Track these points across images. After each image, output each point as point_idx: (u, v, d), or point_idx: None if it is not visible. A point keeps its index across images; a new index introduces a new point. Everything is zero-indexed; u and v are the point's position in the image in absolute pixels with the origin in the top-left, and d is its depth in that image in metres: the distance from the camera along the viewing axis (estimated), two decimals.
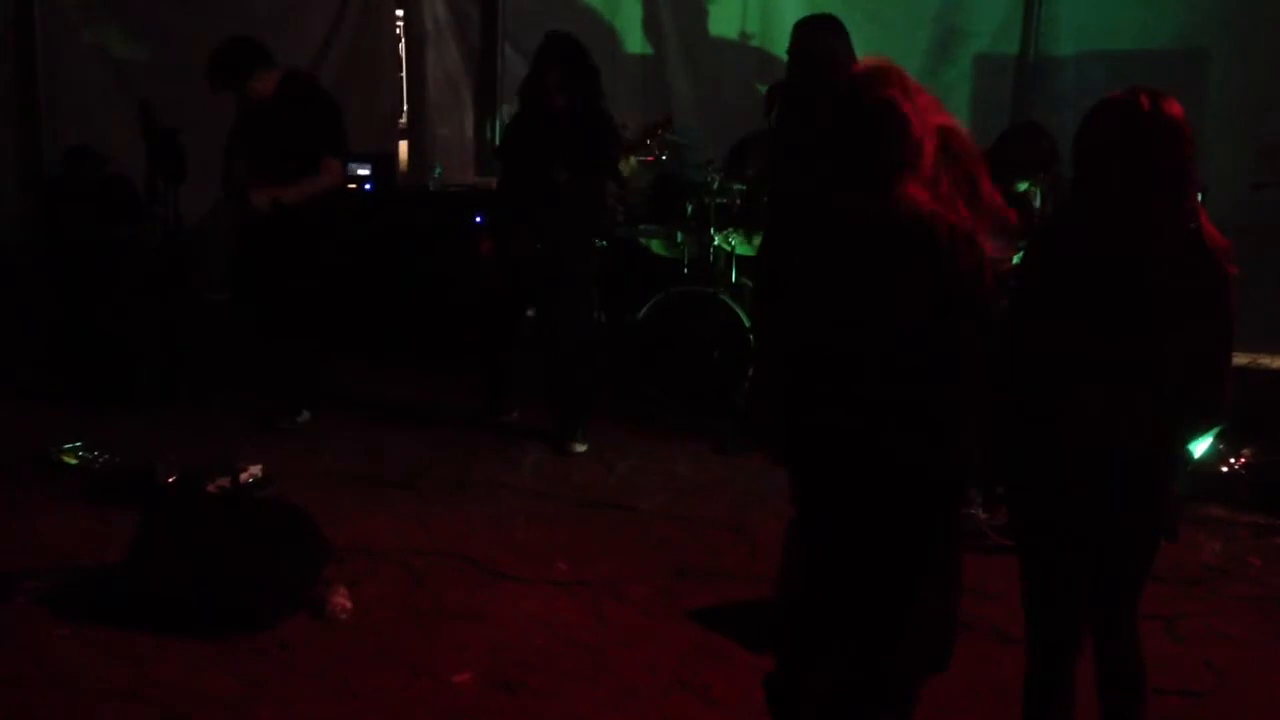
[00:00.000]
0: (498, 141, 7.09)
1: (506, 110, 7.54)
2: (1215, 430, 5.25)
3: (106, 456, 5.21)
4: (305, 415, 5.74)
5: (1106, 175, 2.66)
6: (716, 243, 6.28)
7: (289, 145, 5.45)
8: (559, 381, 5.66)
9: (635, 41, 7.80)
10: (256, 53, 5.48)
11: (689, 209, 6.37)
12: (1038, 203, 5.24)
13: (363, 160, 7.07)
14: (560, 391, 5.67)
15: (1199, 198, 5.61)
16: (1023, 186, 5.19)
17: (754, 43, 7.67)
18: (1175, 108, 2.64)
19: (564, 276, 5.55)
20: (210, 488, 4.84)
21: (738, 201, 6.22)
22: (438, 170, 7.55)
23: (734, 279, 6.26)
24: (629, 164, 6.76)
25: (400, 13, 7.65)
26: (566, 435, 5.61)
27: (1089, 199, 2.73)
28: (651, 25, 7.79)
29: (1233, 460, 5.24)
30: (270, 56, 5.49)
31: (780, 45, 7.54)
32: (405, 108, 7.92)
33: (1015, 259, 5.14)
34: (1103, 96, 2.73)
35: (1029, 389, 2.76)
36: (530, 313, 5.83)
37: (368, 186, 7.08)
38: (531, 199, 5.49)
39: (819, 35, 5.16)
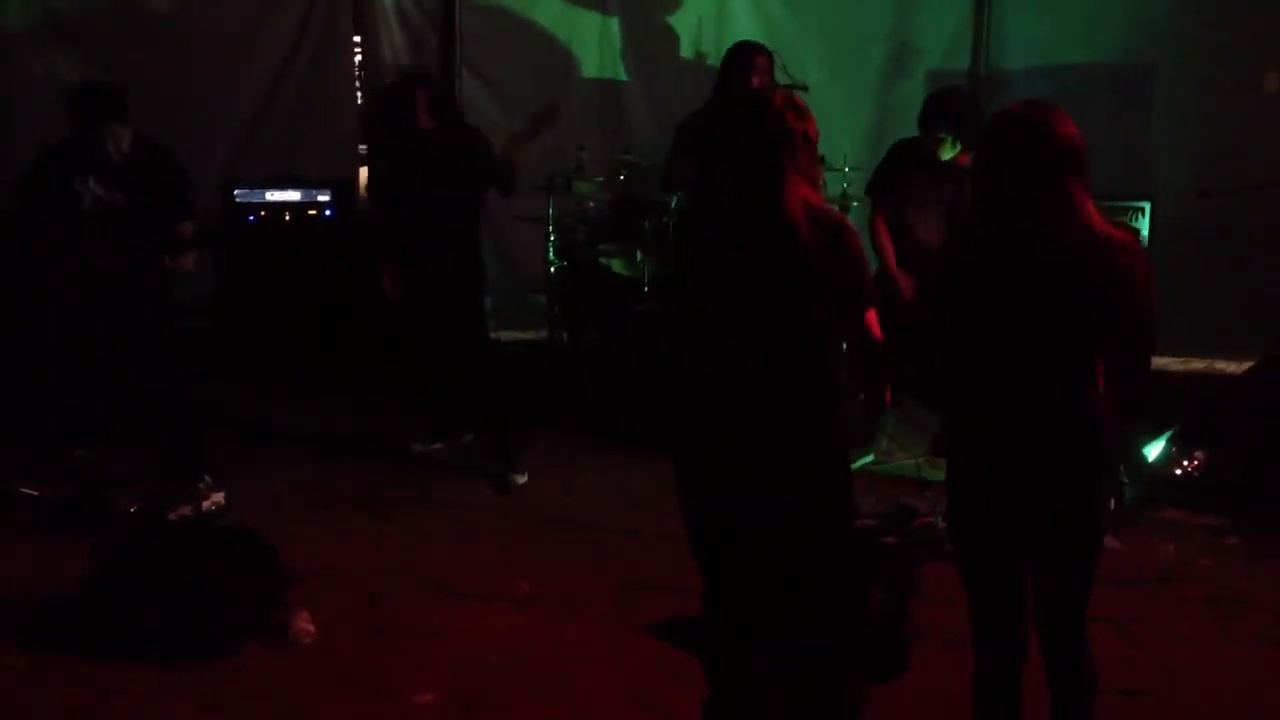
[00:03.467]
0: None
1: None
2: (1165, 433, 5.36)
3: (65, 487, 5.17)
4: (208, 480, 5.20)
5: (1002, 178, 2.76)
6: None
7: (152, 211, 5.00)
8: (483, 415, 5.65)
9: (591, 63, 7.87)
10: (118, 101, 4.95)
11: (648, 228, 6.42)
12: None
13: (322, 187, 7.10)
14: (489, 426, 5.64)
15: (1148, 206, 5.73)
16: (945, 138, 5.40)
17: (709, 61, 7.76)
18: (1064, 117, 2.74)
19: (454, 306, 5.50)
20: (172, 516, 4.84)
21: None
22: None
23: None
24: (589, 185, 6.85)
25: (357, 39, 7.68)
26: (504, 470, 5.53)
27: (988, 202, 2.81)
28: (608, 47, 7.86)
29: (1185, 463, 5.31)
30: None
31: None
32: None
33: None
34: (999, 110, 2.87)
35: (951, 390, 2.83)
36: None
37: (328, 213, 7.10)
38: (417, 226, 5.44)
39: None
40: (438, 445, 5.90)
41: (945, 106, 5.46)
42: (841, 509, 2.89)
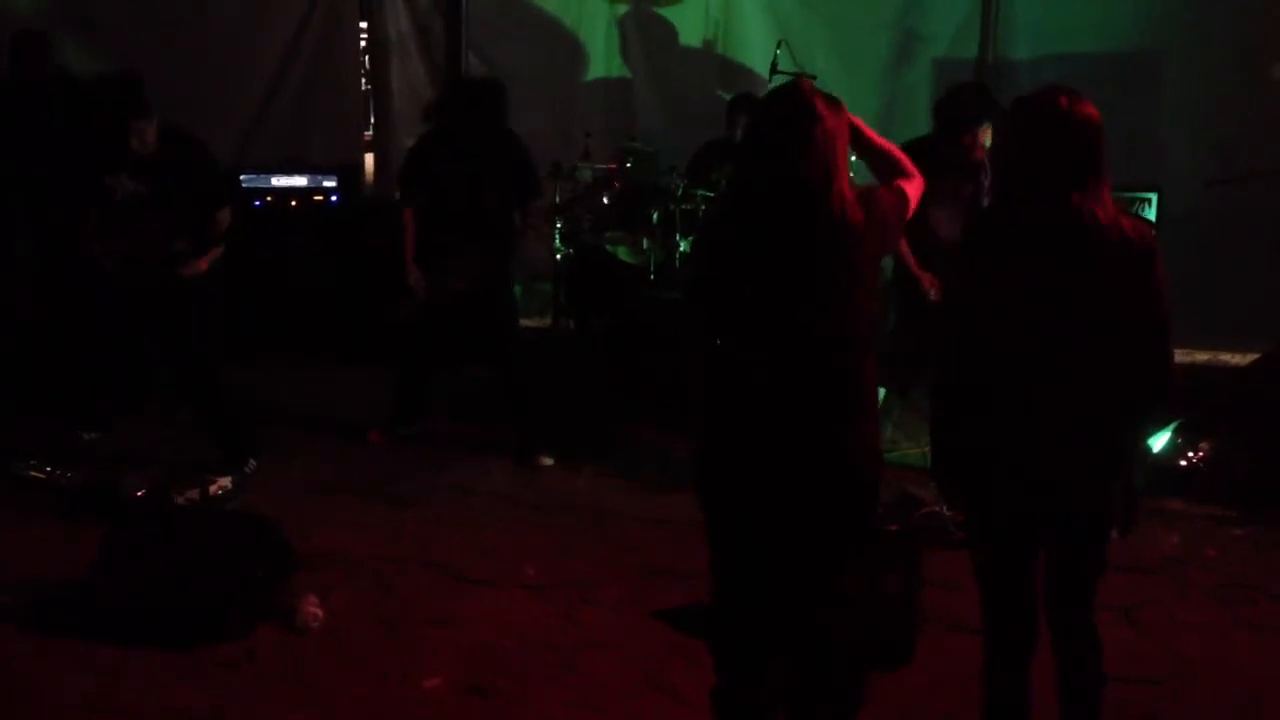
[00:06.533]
0: None
1: None
2: (1171, 424, 5.36)
3: (74, 471, 5.18)
4: (252, 464, 5.33)
5: (1027, 168, 2.75)
6: (682, 249, 6.32)
7: (185, 201, 5.08)
8: (516, 397, 5.70)
9: (598, 49, 7.85)
10: (136, 97, 4.91)
11: (654, 215, 6.41)
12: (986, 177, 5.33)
13: (328, 173, 7.08)
14: (520, 407, 5.70)
15: (1155, 197, 5.71)
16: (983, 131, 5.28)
17: (717, 49, 7.75)
18: (1089, 107, 2.73)
19: (500, 298, 5.63)
20: (179, 499, 4.85)
21: (702, 207, 6.27)
22: None
23: None
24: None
25: (364, 24, 7.66)
26: (530, 449, 5.61)
27: (1012, 190, 2.82)
28: (615, 33, 7.84)
29: (1191, 454, 5.31)
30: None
31: (741, 52, 7.67)
32: (370, 119, 7.93)
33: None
34: (1021, 96, 2.83)
35: (968, 380, 2.83)
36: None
37: (333, 199, 7.08)
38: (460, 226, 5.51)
39: None
40: (404, 433, 5.88)
41: (972, 104, 5.30)
42: (871, 507, 2.89)
